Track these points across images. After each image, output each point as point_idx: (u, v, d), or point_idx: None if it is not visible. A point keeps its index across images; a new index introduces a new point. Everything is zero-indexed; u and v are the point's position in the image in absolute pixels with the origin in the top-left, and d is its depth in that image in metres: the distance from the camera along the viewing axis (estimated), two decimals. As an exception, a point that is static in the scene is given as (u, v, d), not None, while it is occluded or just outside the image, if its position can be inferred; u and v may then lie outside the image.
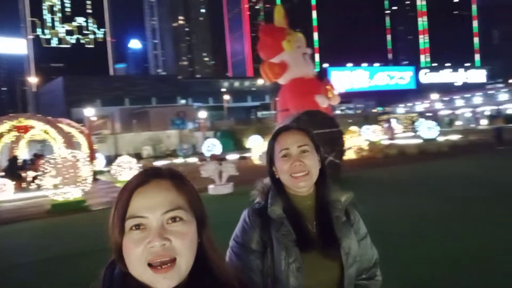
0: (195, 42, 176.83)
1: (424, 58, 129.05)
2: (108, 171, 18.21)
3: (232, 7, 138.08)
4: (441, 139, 20.59)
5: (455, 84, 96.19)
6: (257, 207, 1.42)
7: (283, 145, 1.38)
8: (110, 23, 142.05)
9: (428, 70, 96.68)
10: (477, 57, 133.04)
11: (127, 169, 15.44)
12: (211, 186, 11.01)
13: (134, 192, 0.82)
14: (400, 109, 74.56)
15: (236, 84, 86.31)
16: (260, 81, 70.30)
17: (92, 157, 17.53)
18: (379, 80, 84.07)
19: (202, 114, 39.28)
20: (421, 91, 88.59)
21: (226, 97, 59.60)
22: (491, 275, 4.18)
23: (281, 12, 18.49)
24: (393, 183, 10.61)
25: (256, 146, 20.00)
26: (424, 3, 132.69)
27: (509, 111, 50.63)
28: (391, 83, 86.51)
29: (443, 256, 4.78)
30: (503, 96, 74.06)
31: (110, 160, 23.03)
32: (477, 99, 74.15)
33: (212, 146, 24.61)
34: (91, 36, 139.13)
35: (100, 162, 21.98)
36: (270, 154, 1.42)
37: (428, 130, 21.81)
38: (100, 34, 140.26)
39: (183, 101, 69.18)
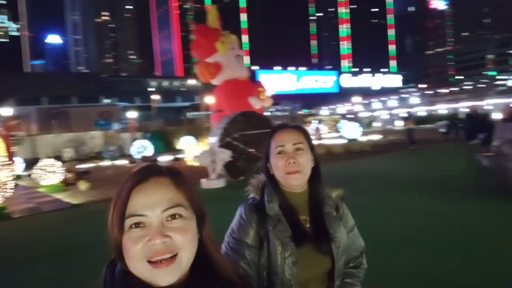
0: (120, 39, 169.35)
1: (346, 63, 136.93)
2: (28, 176, 16.84)
3: (160, 4, 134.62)
4: (363, 139, 22.13)
5: (373, 88, 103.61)
6: (251, 202, 1.47)
7: (279, 142, 1.43)
8: (27, 16, 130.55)
9: (349, 75, 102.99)
10: (393, 63, 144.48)
11: (50, 173, 14.41)
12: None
13: (132, 190, 0.81)
14: (324, 111, 78.38)
15: (165, 83, 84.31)
16: (190, 81, 69.51)
17: (10, 160, 16.07)
18: (305, 83, 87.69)
19: (131, 114, 37.85)
20: (343, 94, 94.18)
21: (155, 97, 57.92)
22: (408, 256, 4.67)
23: (214, 13, 18.55)
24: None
25: (189, 147, 19.82)
26: (347, 11, 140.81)
27: (420, 113, 55.86)
28: (316, 87, 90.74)
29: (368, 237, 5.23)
30: (414, 99, 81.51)
31: (28, 164, 21.29)
32: (393, 102, 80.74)
33: (142, 147, 23.84)
34: (5, 30, 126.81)
35: (18, 166, 20.21)
36: (266, 150, 1.48)
37: (351, 130, 23.34)
38: (14, 28, 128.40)
39: (107, 101, 65.99)
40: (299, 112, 70.05)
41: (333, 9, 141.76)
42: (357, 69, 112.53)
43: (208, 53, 17.31)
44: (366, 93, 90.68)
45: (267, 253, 1.38)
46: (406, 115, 55.25)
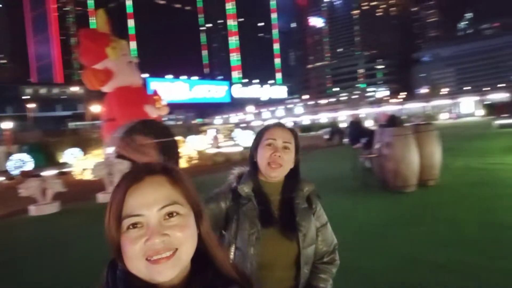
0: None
1: (236, 74, 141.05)
2: None
3: (36, 5, 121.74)
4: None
5: (262, 98, 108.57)
6: (230, 186, 1.62)
7: (270, 136, 1.57)
8: None
9: (240, 85, 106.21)
10: (278, 75, 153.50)
11: None
12: (32, 207, 9.61)
13: (128, 190, 0.80)
14: (218, 120, 79.50)
15: (43, 91, 76.18)
16: (72, 88, 64.11)
17: None
18: (197, 93, 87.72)
19: (6, 125, 33.27)
20: (234, 104, 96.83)
21: (31, 105, 51.99)
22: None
23: (103, 17, 17.56)
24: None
25: (76, 160, 18.26)
26: (235, 23, 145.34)
27: (305, 122, 60.36)
28: (208, 96, 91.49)
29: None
30: (299, 109, 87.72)
31: None
32: (280, 111, 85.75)
33: (20, 161, 21.14)
34: None
35: None
36: (257, 140, 1.62)
37: (246, 138, 24.16)
38: None
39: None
40: (193, 122, 69.78)
41: (221, 21, 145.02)
42: (247, 80, 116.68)
43: (98, 59, 16.29)
44: (256, 103, 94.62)
45: (236, 228, 1.51)
46: (292, 124, 59.20)
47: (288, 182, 1.59)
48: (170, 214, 0.80)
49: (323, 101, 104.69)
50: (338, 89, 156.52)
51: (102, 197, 10.44)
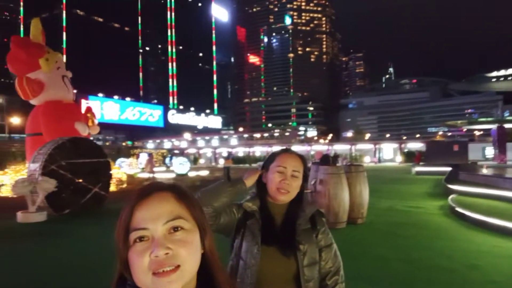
0: None
1: (172, 100, 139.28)
2: None
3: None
4: (192, 174, 22.77)
5: (198, 127, 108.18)
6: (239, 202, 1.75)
7: (282, 163, 1.68)
8: None
9: (175, 111, 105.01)
10: (215, 106, 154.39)
11: None
12: None
13: (135, 205, 0.84)
14: (150, 144, 77.23)
15: (-47, 97, 68.59)
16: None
17: None
18: (130, 115, 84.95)
19: None
20: (168, 129, 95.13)
21: None
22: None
23: (38, 26, 16.70)
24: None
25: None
26: (174, 50, 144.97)
27: (240, 154, 60.91)
28: (141, 119, 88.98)
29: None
30: (234, 140, 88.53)
31: None
32: (215, 141, 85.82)
33: None
34: None
35: None
36: (268, 163, 1.74)
37: (180, 165, 23.75)
38: None
39: None
40: (123, 144, 66.93)
41: (160, 46, 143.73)
42: (182, 107, 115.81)
43: (29, 69, 15.34)
44: (191, 130, 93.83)
45: (241, 239, 1.65)
46: (226, 154, 59.46)
47: (293, 205, 1.69)
48: (175, 229, 0.83)
49: (257, 135, 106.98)
50: (271, 125, 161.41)
51: (23, 217, 9.51)
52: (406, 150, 53.71)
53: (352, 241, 7.26)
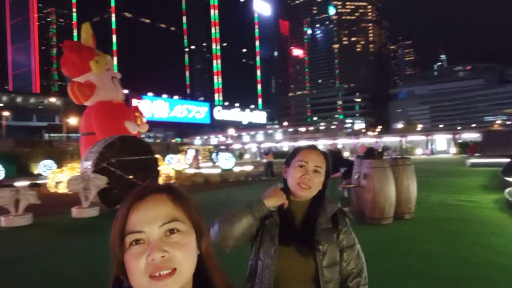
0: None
1: (218, 97, 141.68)
2: None
3: (17, 13, 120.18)
4: (236, 169, 23.04)
5: (243, 122, 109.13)
6: None
7: (303, 158, 1.65)
8: None
9: (220, 108, 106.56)
10: (260, 101, 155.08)
11: None
12: (3, 218, 9.22)
13: (130, 208, 0.83)
14: (197, 141, 79.06)
15: (19, 99, 74.28)
16: (50, 99, 62.76)
17: None
18: (178, 112, 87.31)
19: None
20: (214, 126, 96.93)
21: (4, 113, 50.57)
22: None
23: (89, 30, 17.50)
24: (200, 207, 11.33)
25: (51, 172, 17.71)
26: (218, 47, 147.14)
27: (284, 149, 60.75)
28: (189, 116, 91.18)
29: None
30: (278, 135, 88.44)
31: None
32: (260, 136, 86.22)
33: (-12, 171, 20.35)
34: None
35: None
36: (289, 160, 1.71)
37: (226, 160, 24.08)
38: None
39: None
40: (172, 141, 69.13)
41: (205, 44, 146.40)
42: (228, 103, 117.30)
43: (80, 71, 16.16)
44: (236, 126, 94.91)
45: (260, 240, 1.60)
46: (264, 149, 59.57)
47: (314, 202, 1.65)
48: (171, 231, 0.82)
49: (302, 129, 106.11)
50: (316, 118, 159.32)
51: (77, 212, 10.13)
52: (460, 141, 50.92)
53: (399, 237, 7.00)
